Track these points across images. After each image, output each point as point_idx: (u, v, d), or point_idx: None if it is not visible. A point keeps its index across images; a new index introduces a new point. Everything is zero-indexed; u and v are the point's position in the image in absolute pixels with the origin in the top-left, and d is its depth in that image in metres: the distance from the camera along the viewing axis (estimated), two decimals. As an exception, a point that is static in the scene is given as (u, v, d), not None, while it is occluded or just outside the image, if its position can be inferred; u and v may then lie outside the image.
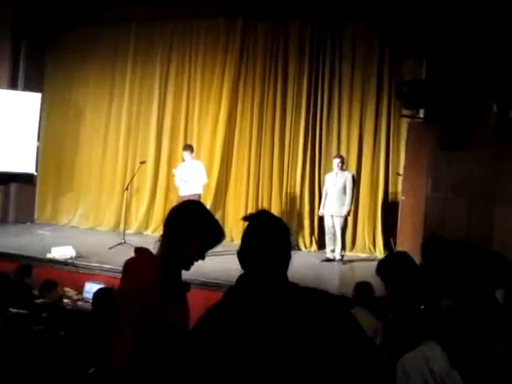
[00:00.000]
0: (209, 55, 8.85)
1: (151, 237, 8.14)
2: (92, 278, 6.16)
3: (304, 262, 6.95)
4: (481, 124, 5.77)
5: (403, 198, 6.90)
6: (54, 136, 9.58)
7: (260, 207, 8.01)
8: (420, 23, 6.95)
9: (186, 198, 6.45)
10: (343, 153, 7.92)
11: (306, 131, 8.29)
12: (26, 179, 9.35)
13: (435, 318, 2.09)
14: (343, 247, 7.26)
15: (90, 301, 4.14)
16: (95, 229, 9.21)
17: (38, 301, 4.51)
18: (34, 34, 9.28)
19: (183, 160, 7.66)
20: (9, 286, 4.37)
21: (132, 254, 1.99)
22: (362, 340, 1.60)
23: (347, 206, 7.16)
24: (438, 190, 6.26)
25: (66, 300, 5.42)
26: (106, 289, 3.97)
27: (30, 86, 9.23)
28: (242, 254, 1.66)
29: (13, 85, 9.16)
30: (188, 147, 7.58)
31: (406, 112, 7.08)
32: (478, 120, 5.81)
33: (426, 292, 2.60)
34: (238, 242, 1.67)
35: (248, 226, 1.69)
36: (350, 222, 7.72)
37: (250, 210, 8.03)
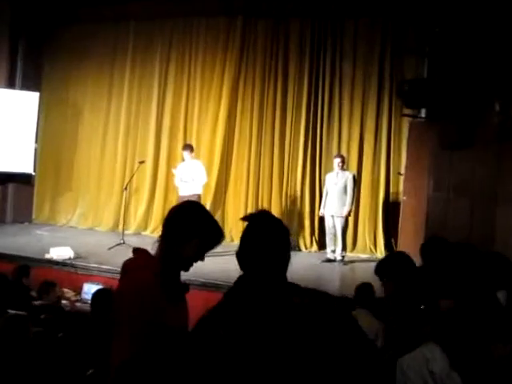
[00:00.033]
0: (209, 54, 8.85)
1: (150, 237, 8.14)
2: (90, 278, 6.16)
3: (304, 263, 6.95)
4: (483, 123, 5.77)
5: (404, 198, 6.90)
6: (52, 135, 9.58)
7: (260, 207, 8.01)
8: (422, 21, 6.94)
9: (185, 198, 6.49)
10: (344, 152, 7.92)
11: (306, 130, 8.29)
12: (23, 179, 9.35)
13: (435, 318, 2.09)
14: (344, 248, 7.26)
15: (89, 302, 4.15)
16: (94, 229, 9.21)
17: (37, 302, 4.51)
18: (32, 33, 9.28)
19: (183, 160, 7.67)
20: (7, 286, 4.38)
21: (131, 255, 1.99)
22: (363, 342, 1.61)
23: (348, 206, 7.16)
24: (440, 189, 6.27)
25: (64, 301, 5.42)
26: (104, 290, 3.97)
27: (27, 85, 9.23)
28: (240, 255, 1.66)
29: (10, 84, 9.16)
30: (188, 147, 7.58)
31: (407, 111, 7.08)
32: (481, 119, 5.82)
33: (426, 292, 2.61)
34: (237, 242, 1.67)
35: (247, 227, 1.68)
36: (350, 222, 7.72)
37: (250, 210, 8.03)
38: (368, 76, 8.05)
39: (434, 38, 6.39)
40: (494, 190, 5.66)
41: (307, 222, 8.19)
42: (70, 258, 6.59)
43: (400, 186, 7.53)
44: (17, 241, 7.66)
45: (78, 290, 5.95)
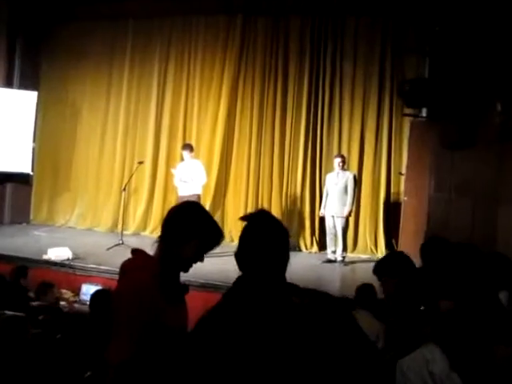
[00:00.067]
0: (208, 52, 8.85)
1: (149, 238, 8.14)
2: (89, 279, 6.17)
3: (305, 263, 6.95)
4: (484, 123, 5.78)
5: (405, 198, 6.91)
6: (50, 135, 9.57)
7: (260, 207, 8.01)
8: (422, 20, 6.94)
9: (185, 198, 6.50)
10: (344, 152, 7.93)
11: (306, 130, 8.29)
12: (21, 179, 9.35)
13: (435, 319, 2.09)
14: (344, 248, 7.26)
15: (87, 303, 4.14)
16: (92, 229, 9.20)
17: (34, 303, 4.52)
18: (30, 32, 9.28)
19: (182, 159, 7.67)
20: (4, 287, 4.38)
21: (129, 256, 1.99)
22: (363, 343, 1.61)
23: (348, 206, 7.16)
24: (441, 190, 6.28)
25: (62, 302, 5.42)
26: (103, 290, 3.97)
27: (25, 85, 9.23)
28: (239, 255, 1.66)
29: (8, 83, 9.16)
30: (187, 146, 7.58)
31: (408, 111, 7.08)
32: (482, 119, 5.82)
33: (426, 293, 2.61)
34: (237, 242, 1.67)
35: (246, 227, 1.68)
36: (351, 222, 7.72)
37: (250, 210, 8.01)
38: (369, 75, 8.06)
39: (435, 38, 6.39)
40: (496, 190, 5.66)
41: (307, 223, 8.20)
42: (68, 259, 6.59)
43: (401, 186, 7.54)
44: (15, 241, 7.66)
45: (77, 291, 5.95)
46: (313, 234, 8.21)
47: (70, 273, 6.41)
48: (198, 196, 7.19)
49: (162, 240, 1.96)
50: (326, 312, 1.60)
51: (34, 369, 2.78)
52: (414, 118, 7.04)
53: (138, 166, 8.16)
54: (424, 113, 6.91)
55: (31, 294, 4.84)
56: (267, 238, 1.64)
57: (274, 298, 1.58)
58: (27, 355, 2.77)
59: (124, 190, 7.88)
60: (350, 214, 7.29)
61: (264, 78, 8.55)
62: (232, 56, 8.65)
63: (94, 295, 3.80)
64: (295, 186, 8.34)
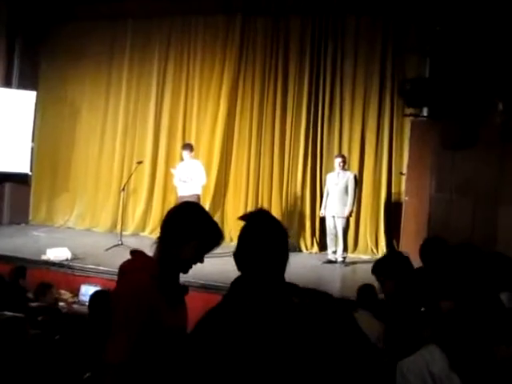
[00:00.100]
0: (207, 52, 8.85)
1: (148, 238, 8.15)
2: (88, 280, 6.16)
3: (305, 264, 6.95)
4: (486, 123, 5.78)
5: (406, 198, 6.91)
6: (49, 135, 9.58)
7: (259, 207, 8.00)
8: (423, 19, 6.95)
9: (185, 199, 6.50)
10: (345, 152, 7.92)
11: (306, 130, 8.29)
12: (20, 179, 9.35)
13: (435, 320, 2.10)
14: (345, 249, 7.26)
15: (86, 304, 4.15)
16: (91, 230, 9.21)
17: (33, 304, 4.52)
18: (29, 32, 9.28)
19: (182, 159, 7.67)
20: (3, 288, 4.38)
21: (129, 256, 1.99)
22: (363, 344, 1.61)
23: (349, 206, 7.16)
24: (442, 190, 6.28)
25: (61, 303, 5.42)
26: (102, 291, 3.97)
27: (24, 84, 9.24)
28: (238, 255, 1.66)
29: (7, 83, 9.17)
30: (187, 146, 7.58)
31: (409, 110, 7.08)
32: (483, 119, 5.83)
33: (426, 294, 2.61)
34: (236, 242, 1.67)
35: (244, 226, 1.68)
36: (352, 222, 7.71)
37: (250, 211, 8.01)
38: (369, 75, 8.05)
39: (436, 37, 6.39)
40: (497, 190, 5.67)
41: (308, 223, 8.19)
42: (67, 259, 6.60)
43: (402, 186, 7.54)
44: (13, 242, 7.66)
45: (75, 292, 5.95)
46: (313, 234, 8.21)
47: (68, 273, 6.41)
48: (198, 196, 7.19)
49: (162, 241, 1.96)
50: (326, 312, 1.60)
51: (34, 370, 2.78)
52: (414, 117, 7.04)
53: (137, 166, 8.16)
54: (425, 112, 6.91)
55: (30, 295, 4.85)
56: (266, 237, 1.64)
57: (273, 298, 1.58)
58: (26, 356, 2.77)
59: (123, 190, 7.88)
60: (350, 215, 7.29)
61: (264, 78, 8.55)
62: (231, 56, 8.65)
63: (93, 296, 3.80)
64: (295, 186, 8.34)
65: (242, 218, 1.69)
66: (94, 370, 2.90)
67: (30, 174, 9.39)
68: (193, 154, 7.50)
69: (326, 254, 7.47)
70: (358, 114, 8.12)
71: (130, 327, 1.79)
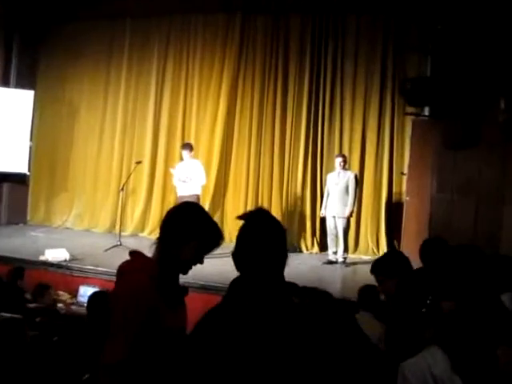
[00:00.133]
0: (207, 51, 8.84)
1: (148, 239, 8.15)
2: (86, 281, 6.16)
3: (305, 265, 6.95)
4: (488, 122, 5.78)
5: (407, 198, 6.91)
6: (47, 134, 9.57)
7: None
8: (424, 18, 6.95)
9: (184, 199, 6.50)
10: (346, 152, 7.92)
11: (307, 129, 8.29)
12: (18, 179, 9.35)
13: (437, 321, 2.09)
14: (346, 249, 7.26)
15: (85, 305, 4.14)
16: (90, 230, 9.20)
17: (31, 305, 4.52)
18: (26, 31, 9.28)
19: (181, 159, 7.67)
20: (1, 289, 4.38)
21: (127, 257, 1.99)
22: (363, 345, 1.61)
23: (350, 206, 7.16)
24: (444, 190, 6.28)
25: (59, 304, 5.42)
26: (101, 292, 3.96)
27: (22, 83, 9.24)
28: (236, 255, 1.66)
29: (5, 82, 9.17)
30: (187, 146, 7.58)
31: (410, 110, 7.08)
32: (485, 118, 5.83)
33: (427, 295, 2.61)
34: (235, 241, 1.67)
35: (243, 226, 1.68)
36: (352, 223, 7.71)
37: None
38: (370, 74, 8.06)
39: (437, 36, 6.40)
40: (500, 190, 5.66)
41: (308, 223, 8.19)
42: (65, 260, 6.59)
43: (403, 186, 7.54)
44: (11, 242, 7.66)
45: (74, 293, 5.95)
46: (313, 234, 8.21)
47: (67, 274, 6.41)
48: (198, 196, 7.18)
49: (161, 241, 1.95)
50: (327, 313, 1.60)
51: (32, 371, 2.78)
52: (416, 116, 7.04)
53: (136, 166, 8.16)
54: (426, 112, 6.91)
55: (28, 296, 4.84)
56: (264, 236, 1.64)
57: (273, 298, 1.58)
58: (25, 358, 2.77)
59: (122, 189, 7.88)
60: (351, 215, 7.28)
61: (264, 77, 8.54)
62: (231, 55, 8.65)
63: (92, 297, 3.80)
64: (296, 186, 8.34)
65: (240, 217, 1.69)
66: (93, 372, 2.90)
67: (27, 173, 9.39)
68: (192, 153, 7.49)
69: (327, 254, 7.46)
70: (358, 113, 8.12)
71: (129, 328, 1.79)
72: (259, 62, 8.56)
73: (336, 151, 8.04)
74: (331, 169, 7.70)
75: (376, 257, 7.61)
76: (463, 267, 2.55)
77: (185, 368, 1.60)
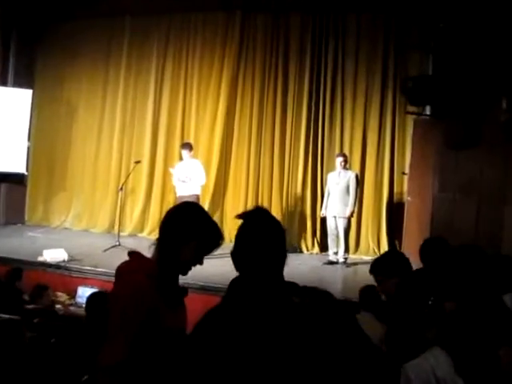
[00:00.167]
0: (207, 49, 8.85)
1: (147, 239, 8.15)
2: (85, 281, 6.16)
3: (306, 265, 6.96)
4: (490, 121, 5.78)
5: (409, 198, 6.90)
6: (45, 134, 9.57)
7: (260, 208, 8.00)
8: (426, 16, 6.95)
9: (184, 199, 6.50)
10: (346, 151, 7.92)
11: (307, 129, 8.29)
12: (16, 179, 9.35)
13: (440, 321, 2.10)
14: (346, 249, 7.27)
15: (83, 306, 4.14)
16: (89, 231, 9.20)
17: (29, 306, 4.51)
18: (24, 29, 9.27)
19: (180, 158, 7.67)
20: (-1, 290, 4.38)
21: (126, 257, 1.99)
22: (364, 346, 1.61)
23: (350, 206, 7.16)
24: (445, 190, 6.27)
25: (57, 305, 5.42)
26: (99, 293, 3.96)
27: (20, 83, 9.24)
28: (235, 254, 1.66)
29: (2, 81, 9.17)
30: (187, 145, 7.58)
31: (411, 109, 7.07)
32: (487, 117, 5.83)
33: (429, 295, 2.61)
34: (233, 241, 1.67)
35: (241, 225, 1.68)
36: (353, 223, 7.71)
37: (250, 211, 8.00)
38: (371, 73, 8.06)
39: (439, 34, 6.39)
40: (502, 190, 5.67)
41: (309, 223, 8.20)
42: (63, 261, 6.59)
43: (404, 185, 7.54)
44: (9, 243, 7.66)
45: (72, 294, 5.95)
46: (314, 234, 8.21)
47: (65, 275, 6.41)
48: (197, 196, 7.18)
49: (160, 242, 1.96)
50: (327, 313, 1.60)
51: (30, 373, 2.78)
52: (417, 116, 7.03)
53: (135, 166, 8.16)
54: (428, 111, 6.90)
55: (26, 297, 4.84)
56: (263, 235, 1.64)
57: (272, 297, 1.58)
58: (23, 359, 2.77)
59: (121, 189, 7.88)
60: (352, 215, 7.29)
61: (264, 76, 8.55)
62: (231, 53, 8.65)
63: (91, 298, 3.80)
64: (296, 185, 8.34)
65: (239, 216, 1.69)
66: (92, 373, 2.90)
67: (26, 173, 9.39)
68: (192, 153, 7.49)
69: (327, 254, 7.47)
70: (359, 112, 8.13)
71: (128, 328, 1.79)
72: (259, 60, 8.56)
73: (337, 151, 8.04)
74: (332, 168, 7.70)
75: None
76: (465, 267, 2.55)
77: (184, 368, 1.61)
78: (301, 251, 8.06)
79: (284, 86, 8.45)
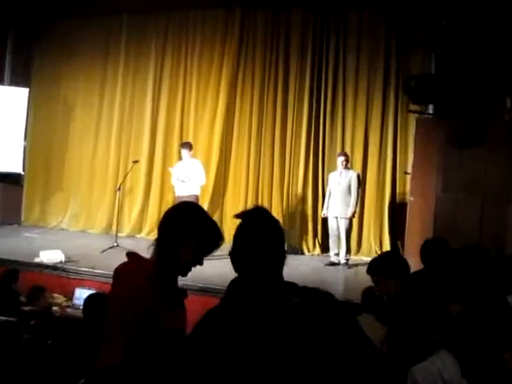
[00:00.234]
0: (206, 47, 8.85)
1: (145, 240, 8.15)
2: (82, 283, 6.16)
3: (307, 266, 6.96)
4: (493, 120, 5.78)
5: (411, 198, 6.90)
6: (42, 133, 9.58)
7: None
8: (428, 14, 6.95)
9: (183, 199, 6.49)
10: (348, 150, 7.92)
11: (308, 128, 8.29)
12: (12, 179, 9.35)
13: (446, 324, 2.10)
14: (348, 250, 7.26)
15: (81, 308, 4.14)
16: (86, 231, 9.20)
17: (26, 308, 4.52)
18: (21, 28, 9.29)
19: (180, 158, 7.67)
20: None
21: (125, 258, 1.99)
22: (364, 347, 1.61)
23: (352, 207, 7.16)
24: (449, 189, 6.27)
25: (54, 307, 5.42)
26: (97, 295, 3.96)
27: (16, 81, 9.24)
28: (234, 255, 1.66)
29: (-1, 80, 9.18)
30: (186, 145, 7.57)
31: (413, 107, 7.07)
32: (491, 116, 5.83)
33: (432, 297, 2.61)
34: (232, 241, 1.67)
35: (240, 225, 1.68)
36: (355, 223, 7.71)
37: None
38: (373, 71, 8.06)
39: (442, 32, 6.38)
40: (506, 189, 5.67)
41: (310, 224, 8.19)
42: (60, 262, 6.59)
43: (407, 185, 7.53)
44: (5, 244, 7.65)
45: (70, 295, 5.95)
46: (315, 235, 8.21)
47: (62, 276, 6.40)
48: (196, 197, 7.17)
49: (159, 242, 1.95)
50: (328, 314, 1.60)
51: (27, 375, 2.78)
52: (420, 114, 7.03)
53: (133, 166, 8.16)
54: (430, 109, 6.89)
55: (22, 299, 4.84)
56: (262, 235, 1.64)
57: (272, 298, 1.58)
58: (20, 361, 2.77)
59: (119, 189, 7.87)
60: (353, 215, 7.28)
61: (264, 74, 8.55)
62: (231, 51, 8.65)
63: (88, 300, 3.80)
64: (297, 185, 8.34)
65: (237, 215, 1.69)
66: (89, 376, 2.90)
67: (22, 173, 9.39)
68: (192, 152, 7.49)
69: (329, 255, 7.47)
70: (361, 111, 8.12)
71: (126, 330, 1.79)
72: (259, 58, 8.56)
73: (338, 150, 8.03)
74: (333, 168, 7.70)
75: (379, 258, 7.66)
76: (469, 269, 2.55)
77: (183, 369, 1.61)
78: (302, 252, 8.06)
79: (284, 84, 8.45)
